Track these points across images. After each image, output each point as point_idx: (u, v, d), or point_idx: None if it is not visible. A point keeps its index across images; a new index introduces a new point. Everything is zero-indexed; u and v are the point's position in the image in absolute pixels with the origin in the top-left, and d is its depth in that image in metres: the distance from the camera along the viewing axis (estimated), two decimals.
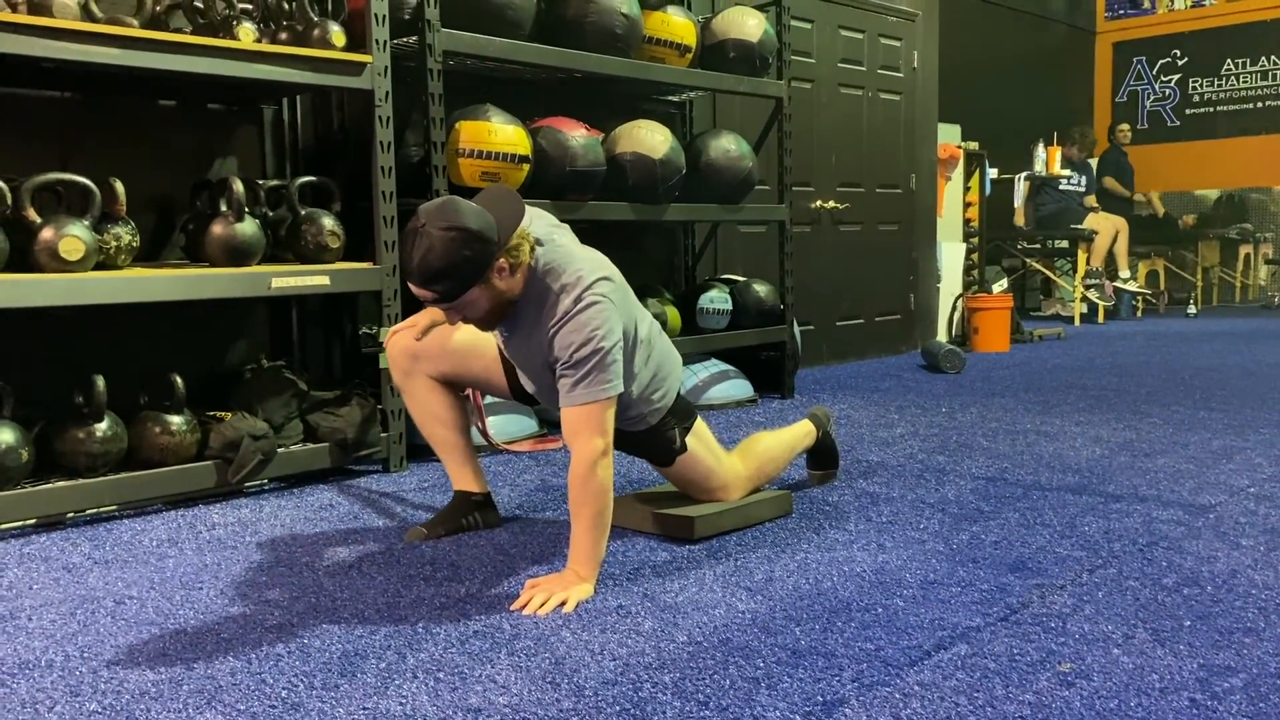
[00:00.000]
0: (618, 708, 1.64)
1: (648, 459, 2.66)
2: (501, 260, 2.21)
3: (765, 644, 1.89)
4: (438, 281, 2.16)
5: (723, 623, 2.00)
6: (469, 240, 2.14)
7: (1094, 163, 9.42)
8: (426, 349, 2.61)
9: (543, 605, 2.08)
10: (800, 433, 3.03)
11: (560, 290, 2.25)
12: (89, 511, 2.88)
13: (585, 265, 2.30)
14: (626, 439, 2.54)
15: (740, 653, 1.85)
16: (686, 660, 1.82)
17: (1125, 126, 9.89)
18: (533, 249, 2.28)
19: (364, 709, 1.66)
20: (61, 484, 2.79)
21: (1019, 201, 8.39)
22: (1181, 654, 1.81)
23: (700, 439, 2.64)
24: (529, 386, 2.52)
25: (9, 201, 2.74)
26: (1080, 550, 2.42)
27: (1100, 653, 1.82)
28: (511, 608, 2.10)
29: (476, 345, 2.62)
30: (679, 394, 2.61)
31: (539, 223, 2.40)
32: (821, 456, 3.14)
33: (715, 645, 1.89)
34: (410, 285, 2.21)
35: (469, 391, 2.79)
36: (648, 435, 2.55)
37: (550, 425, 4.01)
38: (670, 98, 4.93)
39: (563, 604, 2.10)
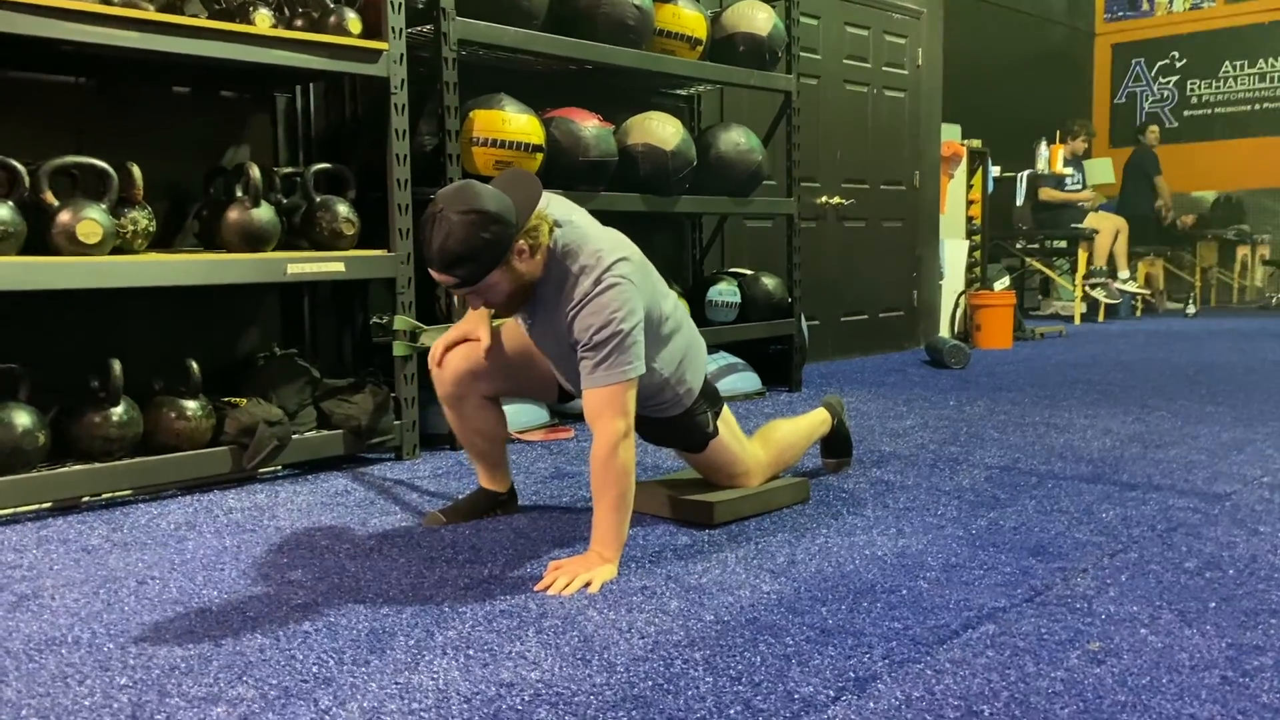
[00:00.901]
0: (650, 683, 1.65)
1: (680, 446, 2.64)
2: (521, 242, 2.20)
3: (793, 623, 1.89)
4: (459, 266, 2.16)
5: (749, 603, 2.00)
6: (488, 223, 2.13)
7: (1090, 164, 9.43)
8: (489, 368, 2.53)
9: (567, 586, 2.08)
10: (816, 420, 3.03)
11: (580, 271, 2.25)
12: (105, 495, 2.87)
13: (604, 245, 2.29)
14: (660, 427, 2.53)
15: (769, 631, 1.85)
16: (715, 638, 1.82)
17: (1155, 128, 9.88)
18: (551, 230, 2.28)
19: (396, 684, 1.66)
20: (78, 468, 2.78)
21: (1021, 200, 8.42)
22: (1209, 634, 1.82)
23: (727, 425, 2.64)
24: (558, 375, 2.50)
25: (27, 184, 2.73)
26: (1100, 536, 2.43)
27: (1128, 632, 1.83)
28: (536, 588, 2.10)
29: (533, 357, 2.53)
30: (706, 378, 2.60)
31: (558, 205, 2.39)
32: (835, 445, 3.14)
33: (743, 624, 1.89)
34: (430, 271, 2.20)
35: None
36: (682, 419, 2.53)
37: (562, 415, 4.01)
38: (679, 91, 4.93)
39: (587, 585, 2.10)
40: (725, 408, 2.64)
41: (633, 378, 2.24)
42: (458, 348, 2.55)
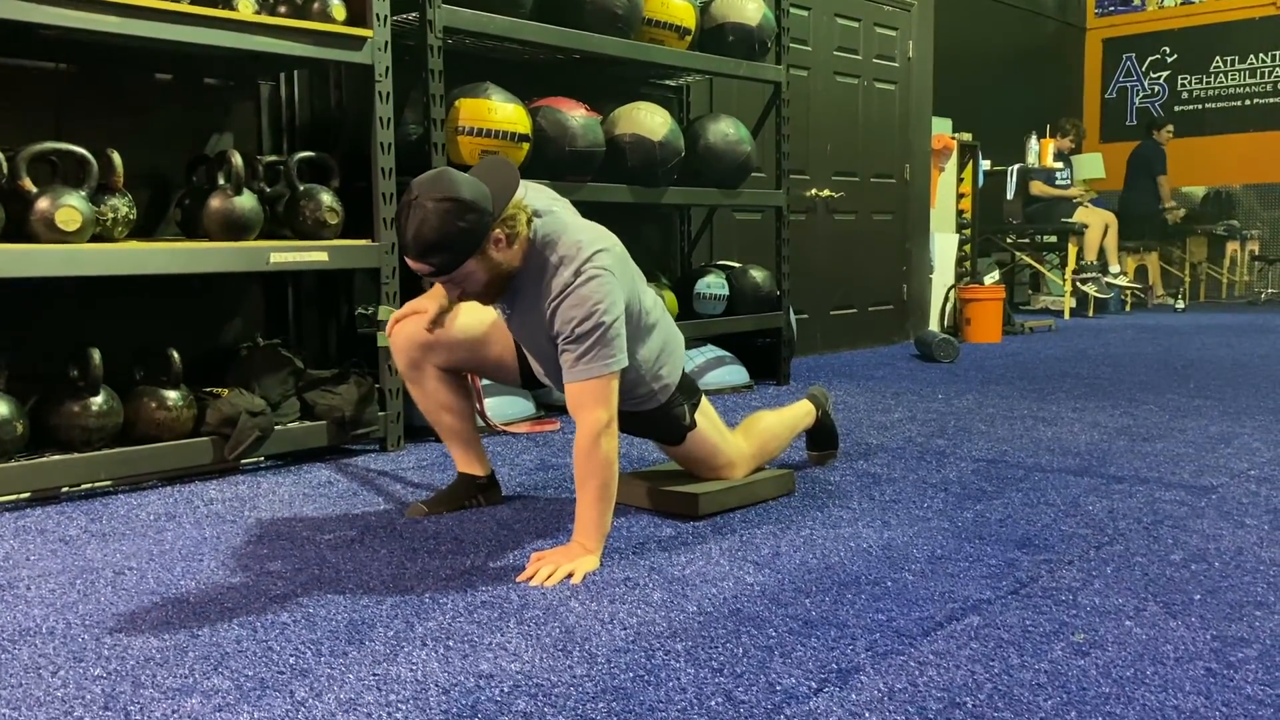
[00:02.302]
0: (631, 674, 1.63)
1: (657, 439, 2.63)
2: (497, 231, 2.18)
3: (776, 614, 1.87)
4: (434, 254, 2.13)
5: (732, 594, 1.98)
6: (463, 210, 2.11)
7: (1080, 158, 9.43)
8: (439, 340, 2.54)
9: (549, 577, 2.06)
10: (800, 412, 3.01)
11: (560, 262, 2.23)
12: (84, 486, 2.84)
13: (584, 236, 2.27)
14: (637, 420, 2.51)
15: (751, 622, 1.83)
16: (698, 629, 1.81)
17: (1171, 127, 9.87)
18: (530, 220, 2.25)
19: (374, 675, 1.64)
20: (56, 458, 2.75)
21: (1011, 194, 8.41)
22: (1194, 626, 1.81)
23: (707, 416, 2.62)
24: (536, 367, 2.48)
25: (4, 171, 2.70)
26: (1086, 528, 2.41)
27: (1113, 624, 1.82)
28: (518, 579, 2.08)
29: (489, 333, 2.56)
30: (684, 371, 2.59)
31: (538, 196, 2.37)
32: (821, 437, 3.12)
33: (726, 615, 1.87)
34: (407, 259, 2.18)
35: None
36: (658, 414, 2.52)
37: (548, 408, 3.98)
38: (668, 82, 4.90)
39: (570, 576, 2.08)
40: (704, 399, 2.62)
41: (615, 371, 2.22)
42: (408, 319, 2.55)
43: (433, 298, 2.53)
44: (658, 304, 2.49)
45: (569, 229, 2.28)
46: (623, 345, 2.23)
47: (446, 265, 2.16)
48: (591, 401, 2.20)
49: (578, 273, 2.20)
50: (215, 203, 3.03)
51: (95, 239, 2.80)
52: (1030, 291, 9.74)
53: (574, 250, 2.23)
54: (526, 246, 2.25)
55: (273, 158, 3.39)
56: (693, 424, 2.55)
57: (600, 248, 2.25)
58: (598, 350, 2.19)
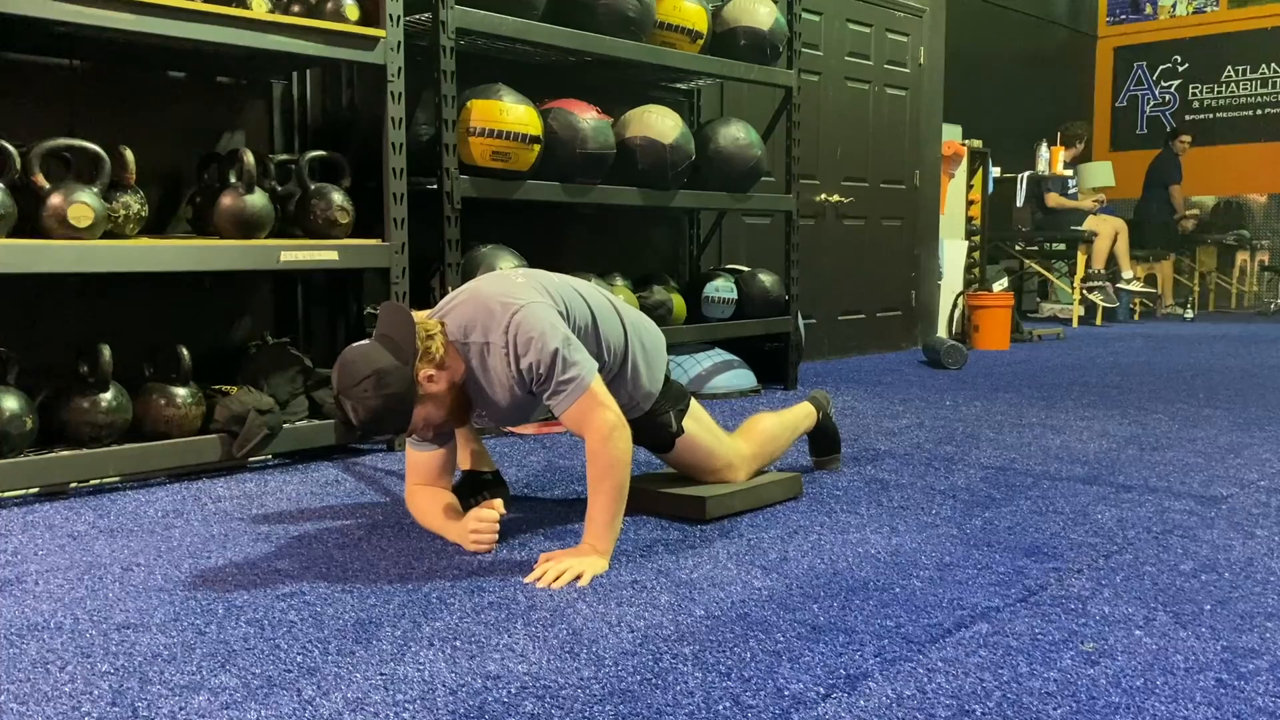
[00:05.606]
0: (638, 677, 1.62)
1: (647, 446, 2.62)
2: (424, 370, 2.18)
3: (784, 619, 1.87)
4: (383, 423, 2.17)
5: (739, 599, 1.98)
6: (383, 376, 2.12)
7: (1089, 166, 9.41)
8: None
9: (557, 579, 2.06)
10: (800, 414, 3.01)
11: (486, 336, 2.22)
12: (92, 482, 2.85)
13: (491, 300, 2.25)
14: None
15: (759, 627, 1.83)
16: (705, 633, 1.80)
17: (1188, 137, 9.86)
18: (443, 330, 2.24)
19: (381, 674, 1.63)
20: (65, 453, 2.76)
21: (1021, 201, 8.40)
22: (1204, 636, 1.80)
23: (698, 420, 2.61)
24: (510, 420, 2.46)
25: (18, 166, 2.70)
26: (1095, 537, 2.40)
27: (1122, 634, 1.81)
28: (526, 580, 2.08)
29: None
30: (668, 378, 2.58)
31: (448, 306, 2.35)
32: (822, 441, 3.11)
33: (733, 620, 1.87)
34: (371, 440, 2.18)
35: None
36: (643, 422, 2.51)
37: None
38: (679, 85, 4.90)
39: (577, 578, 2.07)
40: (694, 404, 2.61)
41: (590, 380, 2.20)
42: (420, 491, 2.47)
43: (414, 468, 2.45)
44: (614, 300, 2.48)
45: (476, 303, 2.27)
46: (583, 354, 2.23)
47: (400, 427, 2.20)
48: (589, 411, 2.19)
49: (505, 329, 2.20)
50: (227, 200, 3.04)
51: (107, 235, 2.81)
52: (1039, 299, 9.72)
53: (491, 318, 2.22)
54: (454, 350, 2.24)
55: (284, 156, 3.40)
56: (680, 430, 2.55)
57: (506, 293, 2.25)
58: (564, 373, 2.18)
